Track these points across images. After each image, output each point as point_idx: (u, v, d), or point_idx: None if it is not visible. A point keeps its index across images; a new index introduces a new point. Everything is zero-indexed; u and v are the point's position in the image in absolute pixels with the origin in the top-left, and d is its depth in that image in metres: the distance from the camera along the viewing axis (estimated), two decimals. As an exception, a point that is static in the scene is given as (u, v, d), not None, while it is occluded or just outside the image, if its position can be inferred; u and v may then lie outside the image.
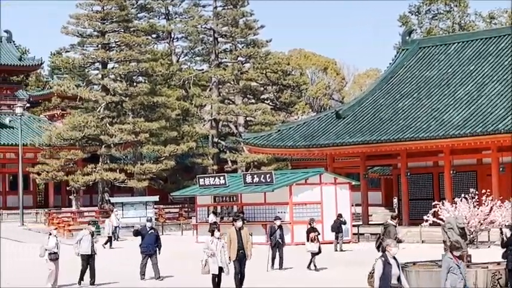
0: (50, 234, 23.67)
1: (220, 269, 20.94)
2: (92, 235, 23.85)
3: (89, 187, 59.78)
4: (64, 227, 47.71)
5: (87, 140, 57.32)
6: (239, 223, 21.42)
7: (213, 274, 21.07)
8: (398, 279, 14.07)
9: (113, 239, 43.23)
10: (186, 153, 59.54)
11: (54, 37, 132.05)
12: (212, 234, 21.33)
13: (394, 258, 14.11)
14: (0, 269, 24.71)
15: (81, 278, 23.78)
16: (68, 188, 58.98)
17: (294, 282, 24.26)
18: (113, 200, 52.37)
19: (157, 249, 25.25)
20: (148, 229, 25.65)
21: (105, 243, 40.51)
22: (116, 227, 44.49)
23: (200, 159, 60.69)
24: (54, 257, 23.03)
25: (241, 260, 21.05)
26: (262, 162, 57.79)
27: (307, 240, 27.76)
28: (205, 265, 21.03)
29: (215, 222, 40.74)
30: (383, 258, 14.07)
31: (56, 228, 29.59)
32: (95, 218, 50.22)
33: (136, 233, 26.27)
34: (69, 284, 23.92)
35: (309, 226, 28.60)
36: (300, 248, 33.71)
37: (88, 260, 23.69)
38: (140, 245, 25.59)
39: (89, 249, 23.59)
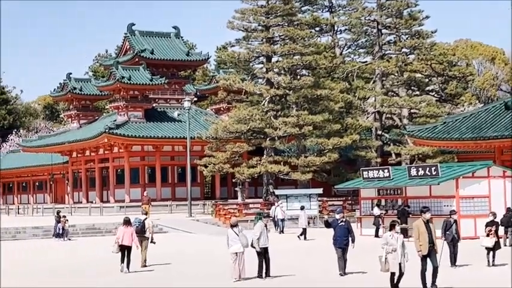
0: (237, 225, 23.63)
1: (400, 267, 19.70)
2: (266, 227, 23.55)
3: (254, 179, 60.77)
4: (230, 218, 48.67)
5: (252, 133, 58.21)
6: (428, 215, 20.25)
7: (392, 272, 19.82)
8: None
9: (279, 230, 43.77)
10: (349, 145, 59.44)
11: (220, 32, 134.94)
12: (392, 229, 19.97)
13: None
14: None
15: (260, 272, 23.55)
16: (233, 180, 60.18)
17: (471, 279, 23.41)
18: (277, 192, 52.99)
19: (349, 242, 23.78)
20: (338, 221, 24.14)
21: (300, 235, 40.92)
22: (282, 219, 45.04)
23: (363, 151, 60.41)
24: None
25: (430, 254, 19.93)
26: (427, 154, 56.84)
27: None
28: (386, 262, 19.74)
29: (379, 215, 40.57)
30: None
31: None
32: (260, 210, 51.05)
33: (327, 225, 25.02)
34: (249, 277, 23.57)
35: (490, 219, 27.53)
36: (467, 242, 32.96)
37: (264, 253, 23.52)
38: (333, 238, 24.42)
39: (266, 242, 23.43)
